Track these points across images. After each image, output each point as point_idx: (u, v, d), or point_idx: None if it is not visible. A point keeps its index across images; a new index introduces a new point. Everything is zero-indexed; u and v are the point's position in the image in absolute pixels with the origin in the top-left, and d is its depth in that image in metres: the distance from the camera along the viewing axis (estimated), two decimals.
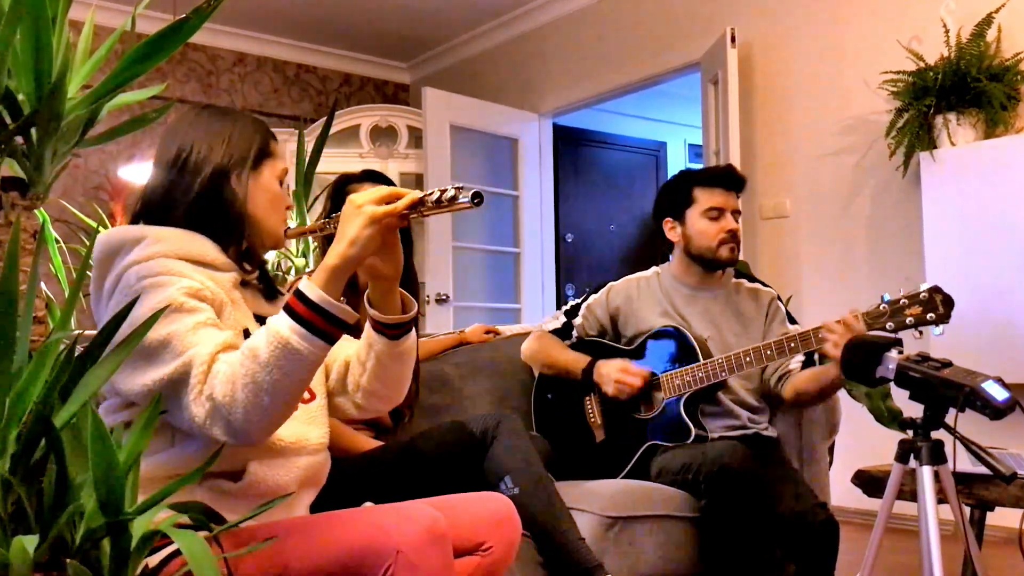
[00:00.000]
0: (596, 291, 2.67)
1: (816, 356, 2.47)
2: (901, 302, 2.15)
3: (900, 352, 1.71)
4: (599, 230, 6.77)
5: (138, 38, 1.58)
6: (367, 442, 2.10)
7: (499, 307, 5.71)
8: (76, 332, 1.19)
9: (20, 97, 1.50)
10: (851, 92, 4.12)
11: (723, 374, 2.39)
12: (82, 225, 3.71)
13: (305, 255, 3.77)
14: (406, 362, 1.56)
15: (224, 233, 1.49)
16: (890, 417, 3.24)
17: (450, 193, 1.32)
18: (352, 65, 6.68)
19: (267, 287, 1.62)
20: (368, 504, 1.57)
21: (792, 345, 2.31)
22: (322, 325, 1.31)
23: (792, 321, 2.59)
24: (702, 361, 2.42)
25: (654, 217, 2.65)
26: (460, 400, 2.71)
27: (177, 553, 1.12)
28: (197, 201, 1.47)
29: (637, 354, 2.54)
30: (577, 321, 2.64)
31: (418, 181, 5.50)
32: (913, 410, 1.74)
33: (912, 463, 1.71)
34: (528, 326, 3.11)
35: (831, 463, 2.70)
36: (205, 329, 1.34)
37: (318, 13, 5.87)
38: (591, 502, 2.22)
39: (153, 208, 1.50)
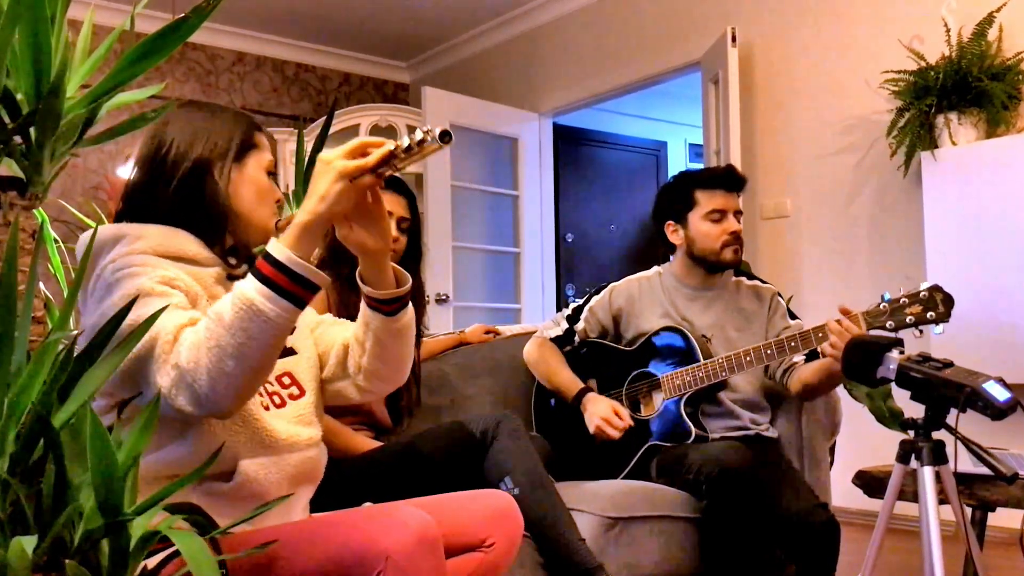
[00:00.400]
0: (597, 292, 2.66)
1: (820, 349, 2.48)
2: (901, 301, 2.15)
3: (901, 352, 1.71)
4: (599, 230, 6.76)
5: (137, 37, 1.57)
6: (367, 442, 2.10)
7: (499, 307, 5.71)
8: (75, 332, 1.18)
9: (19, 96, 1.50)
10: (852, 91, 4.11)
11: (723, 374, 2.40)
12: (81, 225, 3.70)
13: None
14: (405, 339, 1.53)
15: (207, 228, 1.47)
16: (891, 417, 3.24)
17: (418, 136, 1.28)
18: (352, 64, 6.68)
19: None
20: (368, 505, 1.57)
21: (792, 345, 2.32)
22: (287, 285, 1.26)
23: (793, 316, 2.59)
24: (702, 361, 2.42)
25: (654, 219, 2.64)
26: (460, 400, 2.71)
27: (175, 555, 1.11)
28: (177, 196, 1.45)
29: (638, 354, 2.54)
30: (579, 326, 2.63)
31: (418, 181, 5.49)
32: (914, 410, 1.74)
33: (913, 463, 1.71)
34: (528, 326, 3.11)
35: (832, 463, 2.69)
36: (175, 311, 1.32)
37: (318, 12, 5.86)
38: (591, 503, 2.22)
39: (135, 206, 1.49)
